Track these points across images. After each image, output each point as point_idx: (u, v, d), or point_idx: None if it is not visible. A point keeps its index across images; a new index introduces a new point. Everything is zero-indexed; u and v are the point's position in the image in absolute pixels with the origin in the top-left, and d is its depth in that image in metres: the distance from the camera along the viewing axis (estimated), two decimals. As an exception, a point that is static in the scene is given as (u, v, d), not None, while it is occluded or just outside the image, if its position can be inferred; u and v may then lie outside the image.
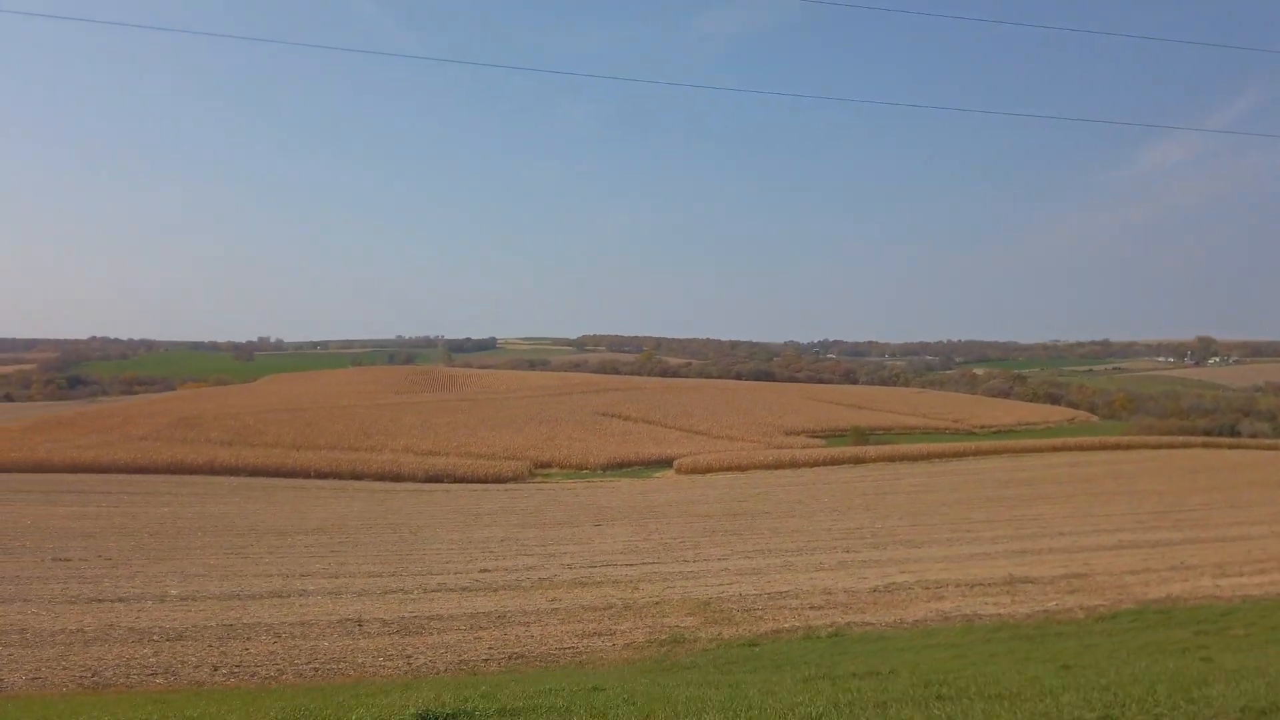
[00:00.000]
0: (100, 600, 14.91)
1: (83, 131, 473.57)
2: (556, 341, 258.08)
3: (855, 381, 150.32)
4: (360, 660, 10.69)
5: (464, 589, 16.98)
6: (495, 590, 16.80)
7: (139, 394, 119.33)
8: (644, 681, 6.91)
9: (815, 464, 57.65)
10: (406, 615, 13.72)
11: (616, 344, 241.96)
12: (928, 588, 15.77)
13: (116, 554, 21.70)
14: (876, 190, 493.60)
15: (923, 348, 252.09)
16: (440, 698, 5.46)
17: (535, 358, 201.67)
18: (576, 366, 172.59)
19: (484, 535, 27.64)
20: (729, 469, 55.18)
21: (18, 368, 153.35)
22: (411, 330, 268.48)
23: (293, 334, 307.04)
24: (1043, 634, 11.06)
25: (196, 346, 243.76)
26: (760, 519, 32.03)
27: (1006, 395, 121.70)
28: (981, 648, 9.94)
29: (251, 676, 9.84)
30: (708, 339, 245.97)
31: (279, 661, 10.51)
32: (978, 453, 63.39)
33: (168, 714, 5.85)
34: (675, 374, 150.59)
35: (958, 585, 15.97)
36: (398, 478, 48.51)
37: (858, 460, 59.02)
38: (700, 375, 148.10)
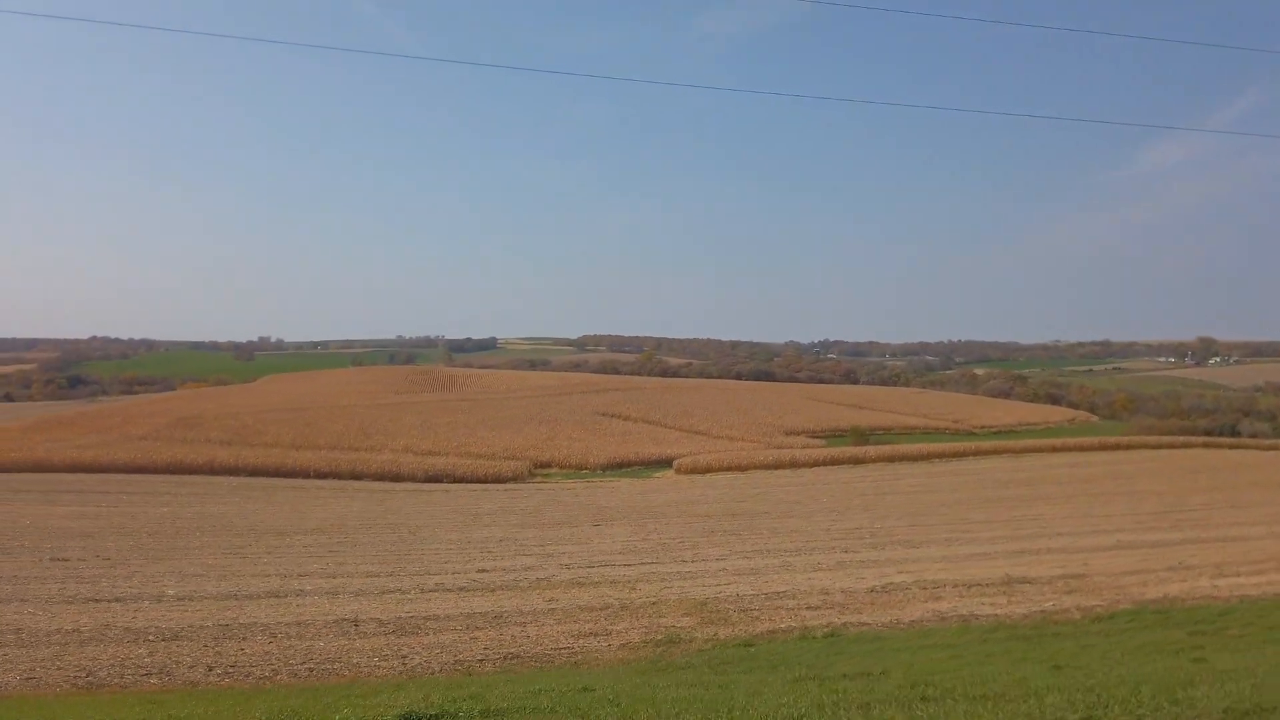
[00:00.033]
0: (97, 600, 14.90)
1: (83, 131, 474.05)
2: (557, 341, 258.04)
3: (856, 382, 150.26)
4: (355, 660, 10.68)
5: (461, 589, 16.98)
6: (492, 590, 16.79)
7: (139, 394, 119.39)
8: (635, 682, 6.90)
9: (815, 464, 57.66)
10: (403, 615, 13.71)
11: (617, 344, 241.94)
12: (925, 588, 15.75)
13: (115, 554, 21.69)
14: (877, 190, 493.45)
15: (923, 348, 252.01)
16: (430, 698, 5.45)
17: (536, 358, 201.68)
18: (577, 366, 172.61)
19: (483, 535, 27.63)
20: (729, 469, 55.20)
21: (18, 367, 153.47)
22: (412, 330, 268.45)
23: (293, 334, 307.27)
24: (1039, 634, 11.04)
25: (197, 346, 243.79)
26: (759, 519, 32.03)
27: (1007, 395, 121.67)
28: (977, 648, 9.93)
29: (246, 677, 9.83)
30: (708, 339, 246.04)
31: (274, 662, 10.50)
32: (978, 453, 63.39)
33: (156, 714, 5.84)
34: (675, 374, 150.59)
35: (955, 585, 15.95)
36: (397, 478, 48.53)
37: (857, 460, 59.03)
38: (701, 375, 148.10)
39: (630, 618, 13.54)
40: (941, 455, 61.61)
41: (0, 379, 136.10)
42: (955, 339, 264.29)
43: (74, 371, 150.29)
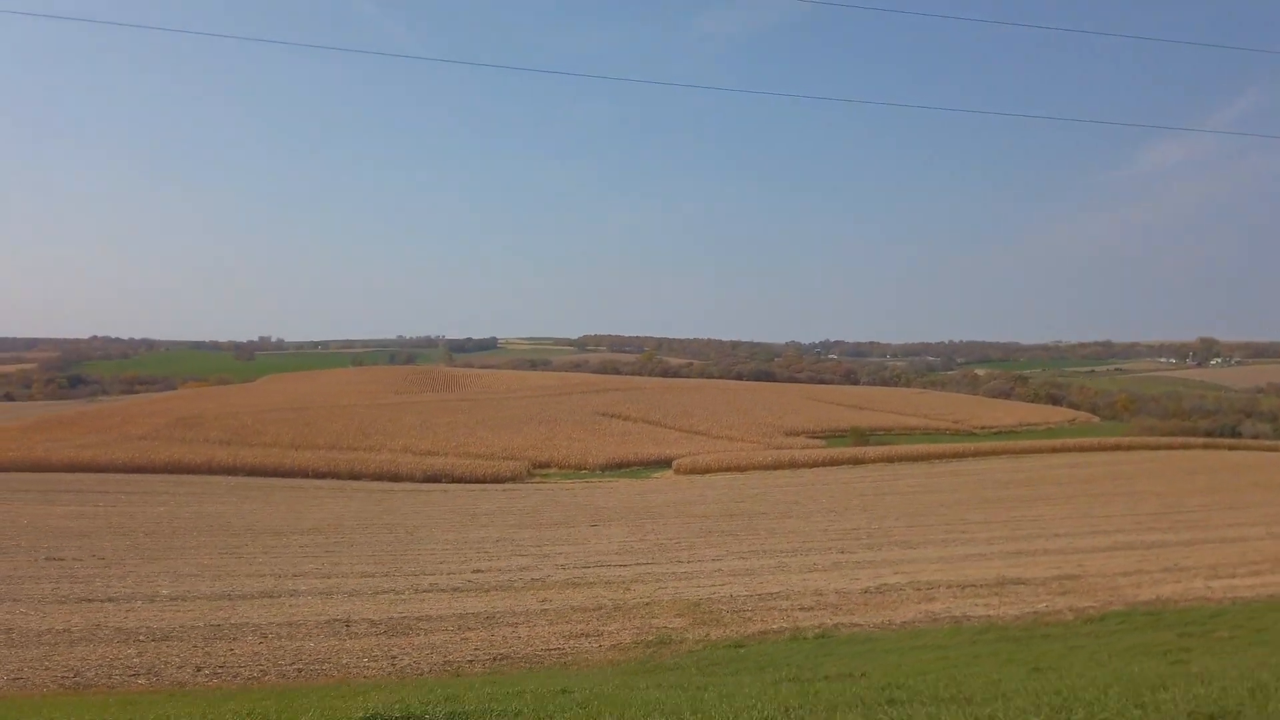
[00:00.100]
0: (90, 600, 14.90)
1: (83, 131, 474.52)
2: (558, 341, 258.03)
3: (856, 382, 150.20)
4: (345, 661, 10.67)
5: (455, 590, 16.96)
6: (486, 591, 16.77)
7: (139, 393, 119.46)
8: (616, 684, 6.88)
9: (814, 464, 57.62)
10: (395, 616, 13.69)
11: (618, 344, 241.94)
12: (919, 589, 15.73)
13: (111, 553, 21.70)
14: (877, 190, 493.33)
15: (924, 348, 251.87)
16: (401, 700, 5.43)
17: (536, 358, 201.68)
18: (577, 366, 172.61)
19: (479, 535, 27.61)
20: (728, 469, 55.17)
21: (19, 367, 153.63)
22: (412, 330, 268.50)
23: (293, 334, 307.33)
24: (1029, 636, 11.02)
25: (197, 346, 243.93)
26: (757, 519, 32.00)
27: (1007, 396, 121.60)
28: (966, 649, 9.90)
29: (234, 677, 9.82)
30: (709, 339, 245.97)
31: (263, 662, 10.49)
32: (977, 453, 63.33)
33: (126, 715, 5.83)
34: (676, 374, 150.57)
35: (949, 586, 15.93)
36: (396, 478, 48.53)
37: (857, 461, 58.98)
38: (701, 375, 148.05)
39: (623, 618, 13.53)
40: (941, 456, 61.55)
41: (0, 378, 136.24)
42: (956, 339, 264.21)
43: (74, 371, 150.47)
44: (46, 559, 20.38)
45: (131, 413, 69.20)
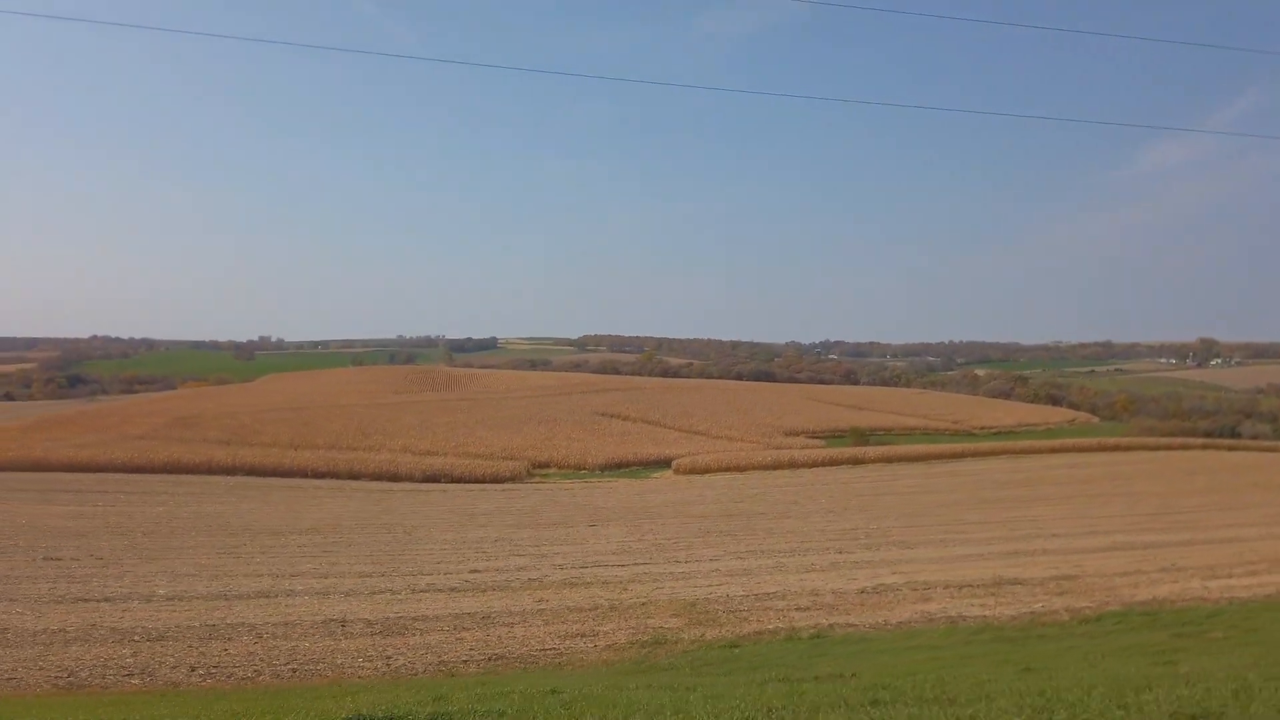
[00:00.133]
0: (86, 600, 14.89)
1: (83, 131, 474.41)
2: (558, 341, 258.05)
3: (856, 382, 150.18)
4: (339, 661, 10.66)
5: (452, 589, 16.96)
6: (483, 591, 16.77)
7: (139, 393, 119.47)
8: (606, 684, 6.89)
9: (813, 465, 57.67)
10: (391, 616, 13.69)
11: (618, 344, 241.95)
12: (916, 589, 15.72)
13: (108, 553, 21.69)
14: (878, 190, 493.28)
15: (924, 348, 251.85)
16: (387, 700, 5.42)
17: (536, 358, 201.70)
18: (577, 366, 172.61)
19: (478, 535, 27.60)
20: (727, 469, 55.22)
21: (19, 366, 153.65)
22: (412, 330, 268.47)
23: (294, 333, 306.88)
24: (1025, 636, 11.02)
25: (197, 346, 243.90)
26: (755, 519, 32.00)
27: (1007, 396, 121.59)
28: (961, 649, 9.91)
29: (228, 677, 9.81)
30: (709, 339, 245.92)
31: (257, 662, 10.48)
32: (976, 454, 63.38)
33: (116, 715, 5.83)
34: (676, 374, 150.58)
35: (946, 586, 15.92)
36: (395, 477, 48.54)
37: (856, 461, 59.02)
38: (701, 375, 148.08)
39: (618, 619, 13.52)
40: (940, 456, 61.59)
41: (0, 378, 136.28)
42: (956, 340, 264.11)
43: (74, 371, 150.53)
44: (44, 559, 20.37)
45: (131, 412, 69.21)
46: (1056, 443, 68.52)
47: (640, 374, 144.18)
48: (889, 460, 59.41)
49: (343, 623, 13.02)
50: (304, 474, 48.10)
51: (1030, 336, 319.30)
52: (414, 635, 12.37)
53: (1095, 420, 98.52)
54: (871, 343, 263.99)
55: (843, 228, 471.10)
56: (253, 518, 30.88)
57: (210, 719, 5.59)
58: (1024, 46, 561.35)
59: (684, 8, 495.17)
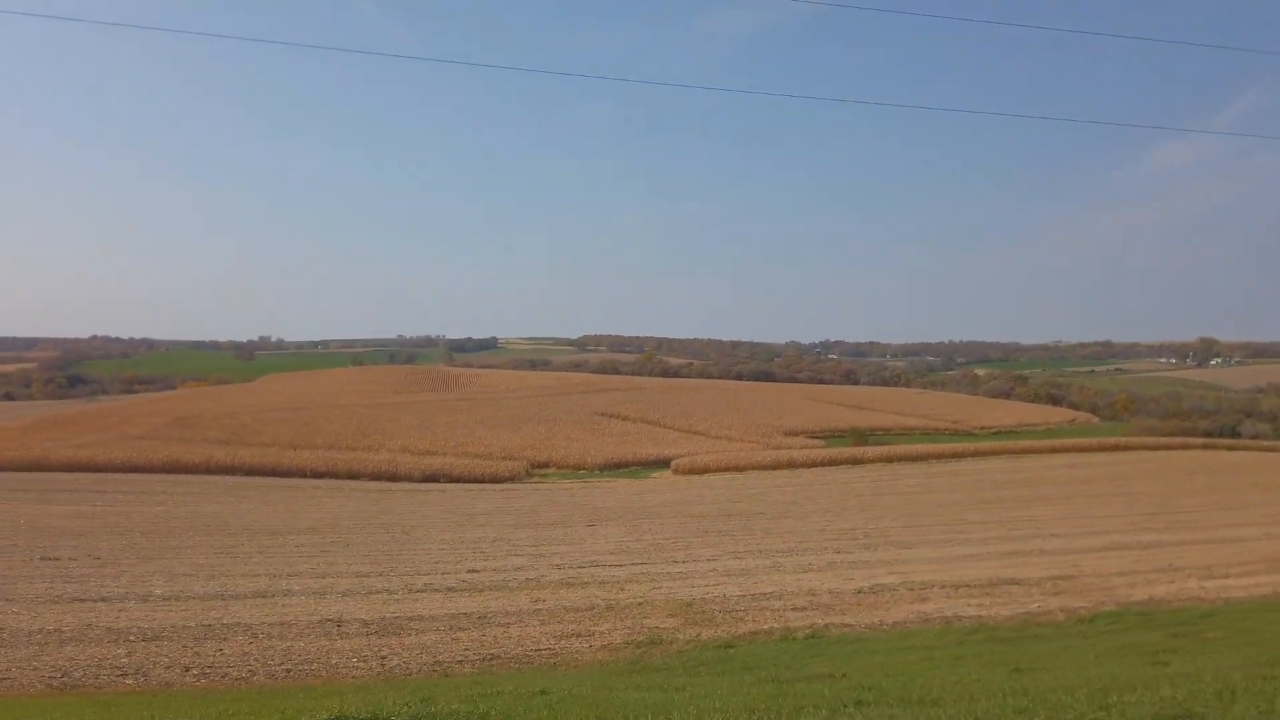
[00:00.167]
0: (83, 600, 14.89)
1: (83, 130, 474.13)
2: (558, 341, 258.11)
3: (856, 382, 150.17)
4: (334, 661, 10.66)
5: (449, 589, 16.96)
6: (480, 591, 16.77)
7: (139, 393, 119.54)
8: (596, 684, 6.89)
9: (813, 464, 57.64)
10: (387, 616, 13.69)
11: (618, 344, 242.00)
12: (912, 589, 15.72)
13: (106, 553, 21.69)
14: (881, 190, 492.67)
15: (924, 348, 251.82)
16: (372, 701, 5.41)
17: (536, 358, 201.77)
18: (577, 366, 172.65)
19: (476, 535, 27.61)
20: (726, 469, 55.21)
21: (19, 366, 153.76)
22: (412, 330, 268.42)
23: (293, 333, 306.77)
24: (1020, 636, 11.02)
25: (197, 346, 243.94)
26: (754, 519, 31.99)
27: (1007, 396, 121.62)
28: (955, 650, 9.91)
29: (223, 677, 9.81)
30: (709, 339, 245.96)
31: (252, 662, 10.49)
32: (976, 454, 63.35)
33: (101, 717, 5.83)
34: (676, 374, 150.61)
35: (943, 587, 15.92)
36: (394, 477, 48.54)
37: (855, 461, 59.00)
38: (701, 375, 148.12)
39: (614, 618, 13.52)
40: (940, 456, 61.56)
41: (1, 377, 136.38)
42: (957, 339, 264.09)
43: (74, 371, 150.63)
44: (42, 558, 20.37)
45: (130, 412, 69.24)
46: (1056, 443, 68.51)
47: (640, 374, 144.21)
48: (888, 460, 59.40)
49: (338, 623, 13.02)
50: (303, 474, 48.10)
51: (1030, 336, 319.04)
52: (409, 635, 12.36)
53: (1095, 420, 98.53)
54: (871, 342, 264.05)
55: (844, 227, 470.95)
56: (251, 518, 30.88)
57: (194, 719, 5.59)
58: (1027, 46, 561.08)
59: (684, 8, 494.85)
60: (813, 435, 73.59)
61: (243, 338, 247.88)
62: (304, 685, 9.21)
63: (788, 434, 72.72)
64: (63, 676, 9.59)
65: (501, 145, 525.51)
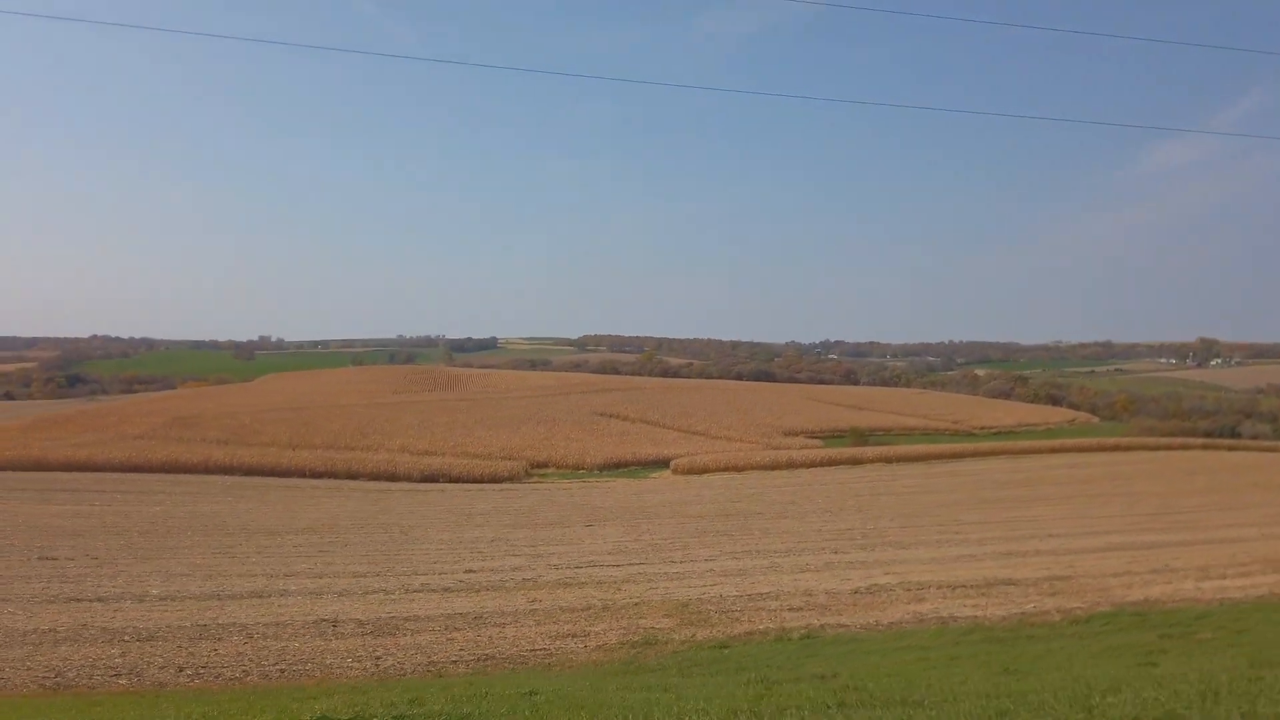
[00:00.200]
0: (79, 600, 14.90)
1: (83, 131, 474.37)
2: (558, 341, 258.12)
3: (856, 382, 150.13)
4: (328, 661, 10.66)
5: (446, 590, 16.95)
6: (477, 591, 16.76)
7: (138, 393, 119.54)
8: (585, 685, 6.89)
9: (812, 465, 57.64)
10: (383, 616, 13.69)
11: (618, 344, 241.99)
12: (909, 589, 15.71)
13: (103, 553, 21.70)
14: (880, 190, 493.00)
15: (924, 348, 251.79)
16: (368, 701, 5.42)
17: (536, 358, 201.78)
18: (577, 366, 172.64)
19: (474, 535, 27.61)
20: (725, 469, 55.20)
21: (19, 366, 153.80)
22: (412, 330, 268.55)
23: (294, 333, 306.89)
24: (1014, 637, 11.01)
25: (198, 345, 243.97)
26: (752, 520, 31.99)
27: (1007, 396, 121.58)
28: (950, 650, 9.90)
29: (216, 677, 9.82)
30: (709, 339, 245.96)
31: (246, 663, 10.48)
32: (976, 454, 63.34)
33: (82, 716, 5.83)
34: (676, 374, 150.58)
35: (939, 587, 15.91)
36: (393, 477, 48.53)
37: (855, 461, 58.99)
38: (701, 375, 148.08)
39: (610, 619, 13.52)
40: (939, 456, 61.56)
41: (1, 377, 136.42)
42: (957, 340, 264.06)
43: (74, 370, 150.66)
44: (39, 558, 20.37)
45: (129, 412, 69.23)
46: (1056, 443, 68.51)
47: (640, 374, 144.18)
48: (888, 460, 59.38)
49: (334, 623, 13.02)
50: (302, 474, 48.10)
51: (1030, 336, 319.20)
52: (404, 636, 12.36)
53: (1095, 420, 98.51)
54: (871, 343, 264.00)
55: (844, 228, 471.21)
56: (250, 517, 30.89)
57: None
58: (1027, 47, 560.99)
59: (684, 8, 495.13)
60: (812, 435, 73.55)
61: (243, 337, 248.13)
62: (297, 685, 9.21)
63: (787, 434, 72.70)
64: (56, 677, 9.59)
65: (500, 145, 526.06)
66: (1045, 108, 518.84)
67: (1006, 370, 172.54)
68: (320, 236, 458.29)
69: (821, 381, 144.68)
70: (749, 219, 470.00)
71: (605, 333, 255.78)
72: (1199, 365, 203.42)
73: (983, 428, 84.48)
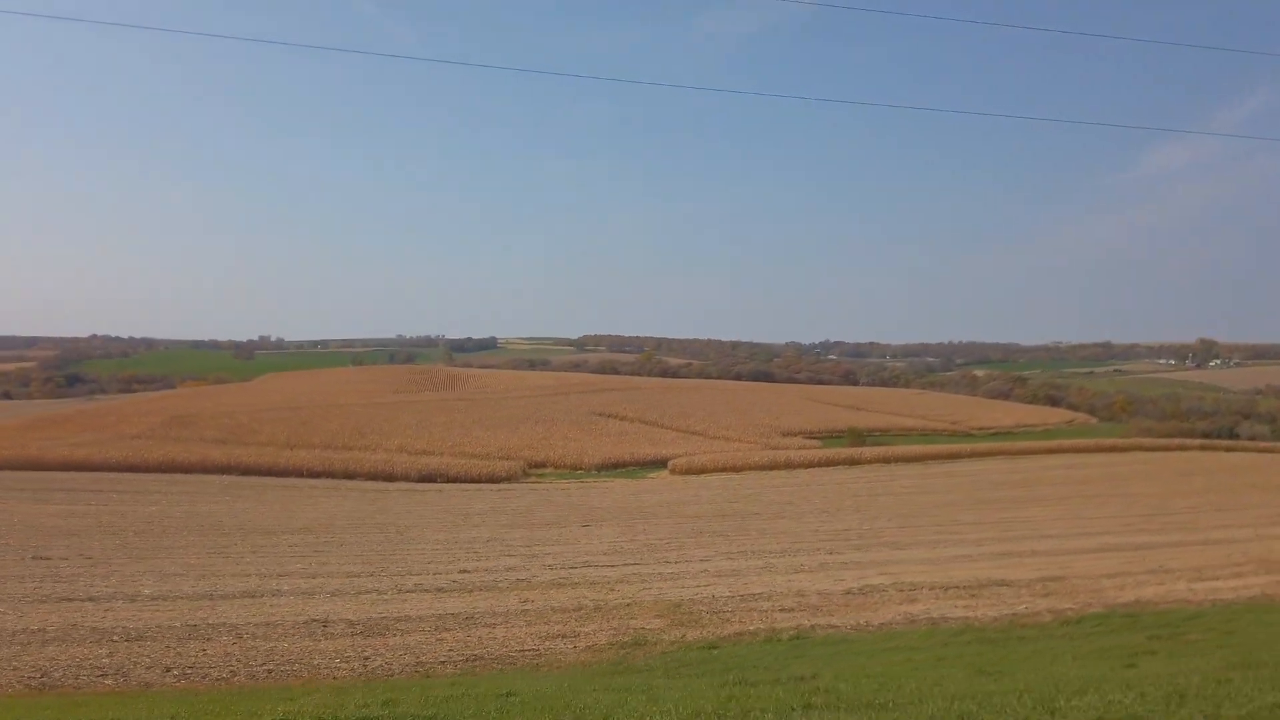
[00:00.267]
0: (70, 600, 14.87)
1: (83, 131, 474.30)
2: (557, 341, 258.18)
3: (855, 383, 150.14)
4: (316, 662, 10.63)
5: (439, 590, 16.93)
6: (469, 591, 16.73)
7: (137, 392, 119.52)
8: (566, 686, 6.86)
9: (810, 465, 57.64)
10: (375, 616, 13.66)
11: (617, 344, 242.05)
12: (902, 590, 15.69)
13: (98, 553, 21.67)
14: (880, 191, 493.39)
15: (924, 349, 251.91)
16: (343, 703, 5.40)
17: (536, 357, 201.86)
18: (576, 366, 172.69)
19: (470, 535, 27.58)
20: (723, 470, 55.19)
21: (18, 365, 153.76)
22: (412, 330, 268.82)
23: (293, 333, 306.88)
24: (1005, 638, 10.99)
25: (197, 345, 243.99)
26: (749, 520, 31.97)
27: (1006, 397, 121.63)
28: (938, 651, 9.88)
29: (203, 678, 9.79)
30: (709, 339, 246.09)
31: (234, 663, 10.46)
32: (973, 454, 63.34)
33: (59, 717, 5.81)
34: (675, 374, 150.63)
35: (932, 588, 15.89)
36: (391, 477, 48.52)
37: (853, 461, 58.98)
38: (700, 376, 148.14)
39: (601, 619, 13.50)
40: (937, 456, 61.54)
41: (0, 376, 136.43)
42: (956, 340, 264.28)
43: (73, 370, 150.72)
44: (33, 558, 20.35)
45: (127, 411, 69.25)
46: (1054, 443, 68.51)
47: (639, 374, 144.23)
48: (886, 461, 59.37)
49: (324, 623, 13.00)
50: (300, 473, 48.08)
51: (1030, 337, 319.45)
52: (394, 636, 12.34)
53: (1094, 421, 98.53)
54: (871, 343, 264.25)
55: (844, 228, 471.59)
56: (246, 517, 30.86)
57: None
58: (1029, 48, 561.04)
59: (684, 8, 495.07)
60: (811, 436, 73.57)
61: (242, 337, 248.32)
62: (283, 686, 9.19)
63: (786, 434, 72.72)
64: (42, 677, 9.57)
65: (499, 145, 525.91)
66: (1045, 108, 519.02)
67: (1005, 371, 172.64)
68: (320, 236, 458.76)
69: (820, 382, 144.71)
70: (748, 219, 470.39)
71: (605, 333, 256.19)
72: (1198, 366, 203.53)
73: (981, 428, 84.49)
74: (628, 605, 14.63)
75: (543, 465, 55.49)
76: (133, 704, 6.89)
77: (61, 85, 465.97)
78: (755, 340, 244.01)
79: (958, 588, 15.87)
